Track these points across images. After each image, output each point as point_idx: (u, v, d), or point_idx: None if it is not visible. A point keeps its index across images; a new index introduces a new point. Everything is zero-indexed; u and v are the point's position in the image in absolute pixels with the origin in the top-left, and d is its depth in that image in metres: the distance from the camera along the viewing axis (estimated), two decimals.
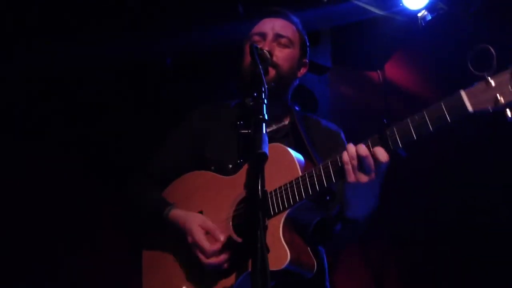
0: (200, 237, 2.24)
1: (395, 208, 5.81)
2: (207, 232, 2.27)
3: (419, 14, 4.49)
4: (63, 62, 4.14)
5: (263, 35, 2.63)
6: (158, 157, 2.72)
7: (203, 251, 2.22)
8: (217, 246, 2.21)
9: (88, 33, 4.15)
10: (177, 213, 2.39)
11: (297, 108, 2.76)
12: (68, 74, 4.33)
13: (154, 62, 4.43)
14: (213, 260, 2.20)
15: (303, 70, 2.75)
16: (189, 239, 2.27)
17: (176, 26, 4.14)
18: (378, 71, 5.21)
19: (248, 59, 2.53)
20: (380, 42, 4.80)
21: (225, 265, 2.21)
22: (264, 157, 1.83)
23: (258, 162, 1.84)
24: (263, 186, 1.81)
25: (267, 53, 2.46)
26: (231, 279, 2.18)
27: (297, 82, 2.75)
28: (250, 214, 1.82)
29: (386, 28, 4.65)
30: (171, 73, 4.49)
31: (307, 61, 2.77)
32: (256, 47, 2.36)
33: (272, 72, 2.51)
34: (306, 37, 2.78)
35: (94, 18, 4.17)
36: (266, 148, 1.85)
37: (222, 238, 2.23)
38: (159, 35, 4.13)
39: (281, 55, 2.57)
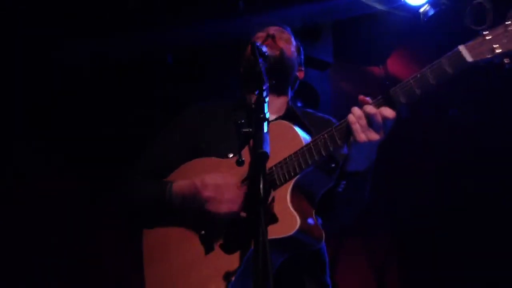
0: (213, 178, 2.26)
1: (397, 202, 5.83)
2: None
3: (421, 9, 4.49)
4: (62, 61, 4.14)
5: (266, 31, 2.70)
6: (150, 153, 2.68)
7: (219, 185, 2.23)
8: (233, 180, 2.26)
9: (89, 31, 4.14)
10: (180, 183, 2.37)
11: (299, 104, 2.77)
12: (68, 72, 4.33)
13: (155, 59, 4.43)
14: (231, 193, 2.22)
15: (300, 74, 2.83)
16: (200, 184, 2.26)
17: (177, 23, 4.13)
18: (380, 66, 5.20)
19: (249, 57, 2.52)
20: (382, 38, 4.79)
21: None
22: (266, 156, 1.82)
23: (259, 162, 1.83)
24: (265, 185, 1.80)
25: (267, 49, 2.45)
26: (238, 255, 2.17)
27: (298, 83, 2.82)
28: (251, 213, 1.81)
29: (388, 23, 4.64)
30: (172, 70, 4.49)
31: (302, 69, 2.86)
32: (257, 45, 2.35)
33: (276, 52, 2.59)
34: (302, 51, 2.88)
35: (94, 16, 4.16)
36: (267, 147, 1.84)
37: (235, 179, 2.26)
38: (160, 33, 4.12)
39: (284, 43, 2.68)
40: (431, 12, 4.45)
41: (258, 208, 1.76)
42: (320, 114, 2.77)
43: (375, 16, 4.57)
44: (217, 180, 2.26)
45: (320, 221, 2.43)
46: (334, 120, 2.66)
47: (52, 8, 4.02)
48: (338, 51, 4.54)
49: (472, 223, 5.68)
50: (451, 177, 5.66)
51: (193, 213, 2.33)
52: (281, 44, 2.66)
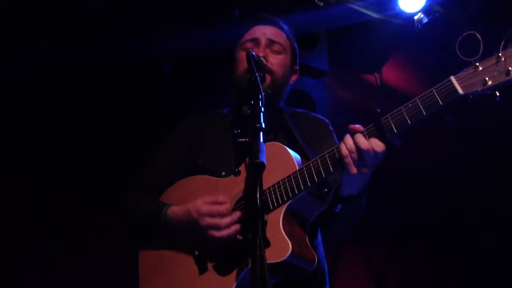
0: (207, 206, 2.25)
1: (396, 209, 5.82)
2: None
3: (416, 17, 4.51)
4: (61, 67, 4.15)
5: (255, 41, 2.64)
6: (151, 168, 2.72)
7: (214, 214, 2.23)
8: (226, 206, 2.24)
9: (86, 39, 4.15)
10: (175, 208, 2.40)
11: (292, 108, 2.78)
12: (66, 79, 4.34)
13: (152, 69, 4.45)
14: (228, 219, 2.21)
15: (294, 77, 2.77)
16: (196, 215, 2.26)
17: (173, 32, 4.14)
18: (376, 74, 5.21)
19: (243, 66, 2.52)
20: (377, 45, 4.81)
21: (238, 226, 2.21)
22: (262, 167, 1.83)
23: (256, 172, 1.84)
24: (261, 195, 1.81)
25: (263, 59, 2.46)
26: (232, 276, 2.18)
27: (289, 88, 2.76)
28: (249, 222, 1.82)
29: (383, 31, 4.66)
30: (169, 80, 4.51)
31: (297, 68, 2.80)
32: (253, 54, 2.37)
33: (268, 78, 2.51)
34: (296, 44, 2.79)
35: (92, 24, 4.17)
36: (264, 157, 1.85)
37: (227, 200, 2.26)
38: (156, 42, 4.14)
39: (275, 61, 2.59)
40: (426, 20, 4.48)
41: (255, 219, 1.76)
42: (314, 115, 2.77)
43: (370, 24, 4.59)
44: (212, 209, 2.25)
45: (320, 238, 2.47)
46: (327, 121, 2.70)
47: (52, 14, 4.04)
48: (333, 59, 4.56)
49: (472, 231, 5.69)
50: (450, 183, 5.66)
51: (187, 235, 2.35)
52: (273, 62, 2.57)
